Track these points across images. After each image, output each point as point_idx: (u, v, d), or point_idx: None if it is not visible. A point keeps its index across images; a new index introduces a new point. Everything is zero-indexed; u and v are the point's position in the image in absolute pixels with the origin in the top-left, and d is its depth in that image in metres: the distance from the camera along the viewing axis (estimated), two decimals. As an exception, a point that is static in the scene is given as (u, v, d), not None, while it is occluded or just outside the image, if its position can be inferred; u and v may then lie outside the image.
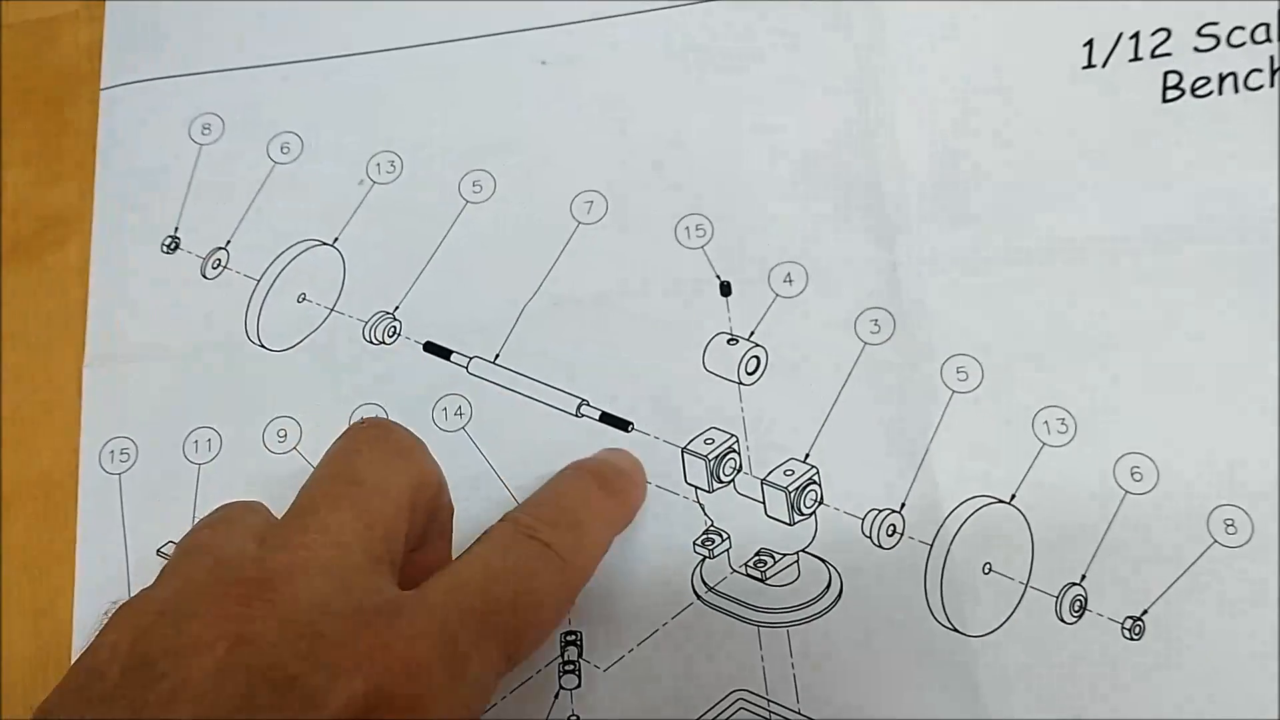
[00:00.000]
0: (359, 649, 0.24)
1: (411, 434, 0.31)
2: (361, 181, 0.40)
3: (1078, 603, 0.33)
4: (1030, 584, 0.33)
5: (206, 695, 0.23)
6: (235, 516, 0.31)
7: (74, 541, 0.37)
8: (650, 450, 0.35)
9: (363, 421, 0.32)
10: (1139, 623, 0.33)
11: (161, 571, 0.29)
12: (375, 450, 0.30)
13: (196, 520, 0.36)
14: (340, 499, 0.28)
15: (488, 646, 0.26)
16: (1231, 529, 0.33)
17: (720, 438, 0.35)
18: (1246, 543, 0.33)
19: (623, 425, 0.36)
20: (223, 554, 0.28)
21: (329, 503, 0.28)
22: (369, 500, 0.28)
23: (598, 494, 0.33)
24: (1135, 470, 0.34)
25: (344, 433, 0.31)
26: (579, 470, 0.34)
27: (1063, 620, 0.33)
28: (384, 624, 0.25)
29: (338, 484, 0.29)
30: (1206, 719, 0.31)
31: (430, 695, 0.24)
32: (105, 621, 0.26)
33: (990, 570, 0.33)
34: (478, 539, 0.29)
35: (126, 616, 0.26)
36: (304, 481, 0.29)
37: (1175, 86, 0.38)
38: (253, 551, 0.27)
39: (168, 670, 0.24)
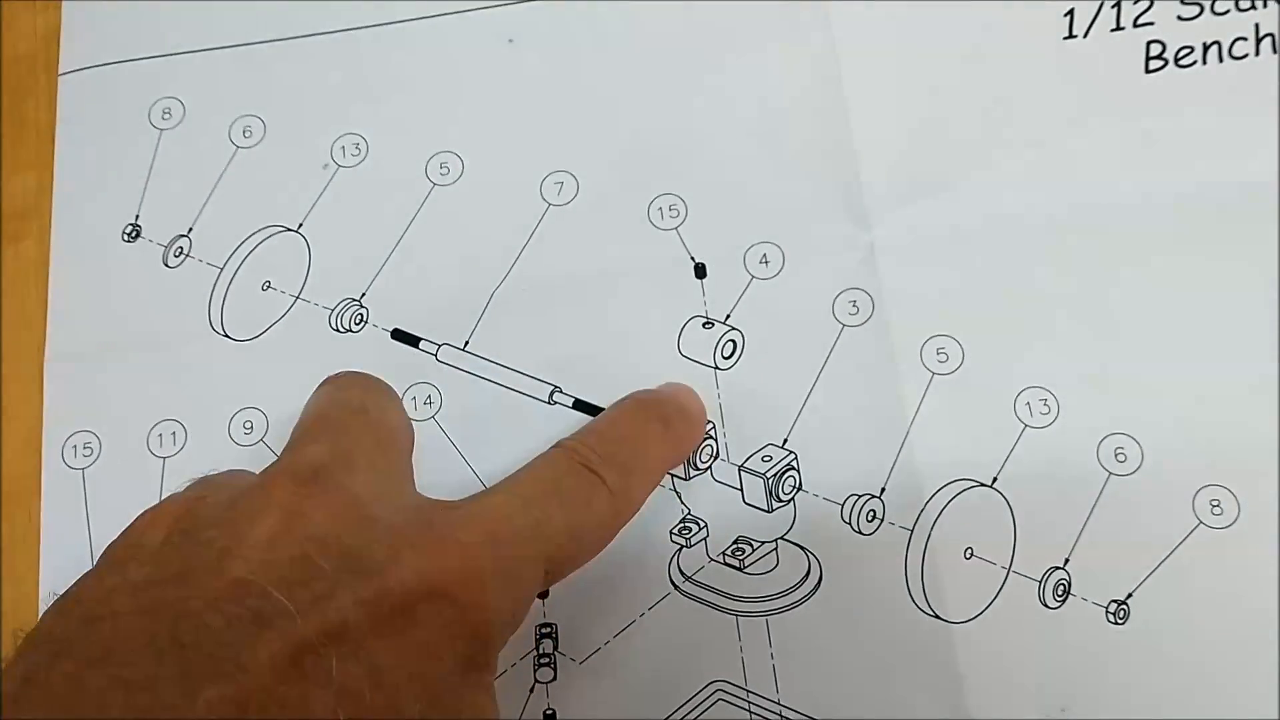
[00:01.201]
0: (415, 539, 0.24)
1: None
2: (326, 165, 0.39)
3: (1061, 587, 0.32)
4: (1012, 568, 0.33)
5: (259, 558, 0.23)
6: (234, 471, 0.30)
7: (37, 538, 0.36)
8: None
9: (339, 373, 0.31)
10: (1124, 606, 0.32)
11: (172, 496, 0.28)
12: (368, 390, 0.30)
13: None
14: (350, 423, 0.28)
15: (534, 565, 0.26)
16: (1217, 510, 0.32)
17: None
18: (1233, 524, 0.32)
19: (597, 412, 0.35)
20: (243, 474, 0.28)
21: (341, 425, 0.27)
22: (379, 428, 0.28)
23: (656, 431, 0.32)
24: (1119, 451, 0.33)
25: (325, 381, 0.30)
26: (640, 404, 0.33)
27: (1046, 605, 0.32)
28: (440, 521, 0.25)
29: (344, 411, 0.28)
30: (1193, 705, 0.31)
31: (484, 596, 0.24)
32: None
33: (972, 555, 0.33)
34: (530, 463, 0.29)
35: (158, 508, 0.26)
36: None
37: (1158, 56, 0.37)
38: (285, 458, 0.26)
39: (215, 538, 0.23)
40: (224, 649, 0.21)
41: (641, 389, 0.34)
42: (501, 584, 0.25)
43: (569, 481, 0.28)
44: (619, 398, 0.35)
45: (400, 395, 0.35)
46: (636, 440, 0.31)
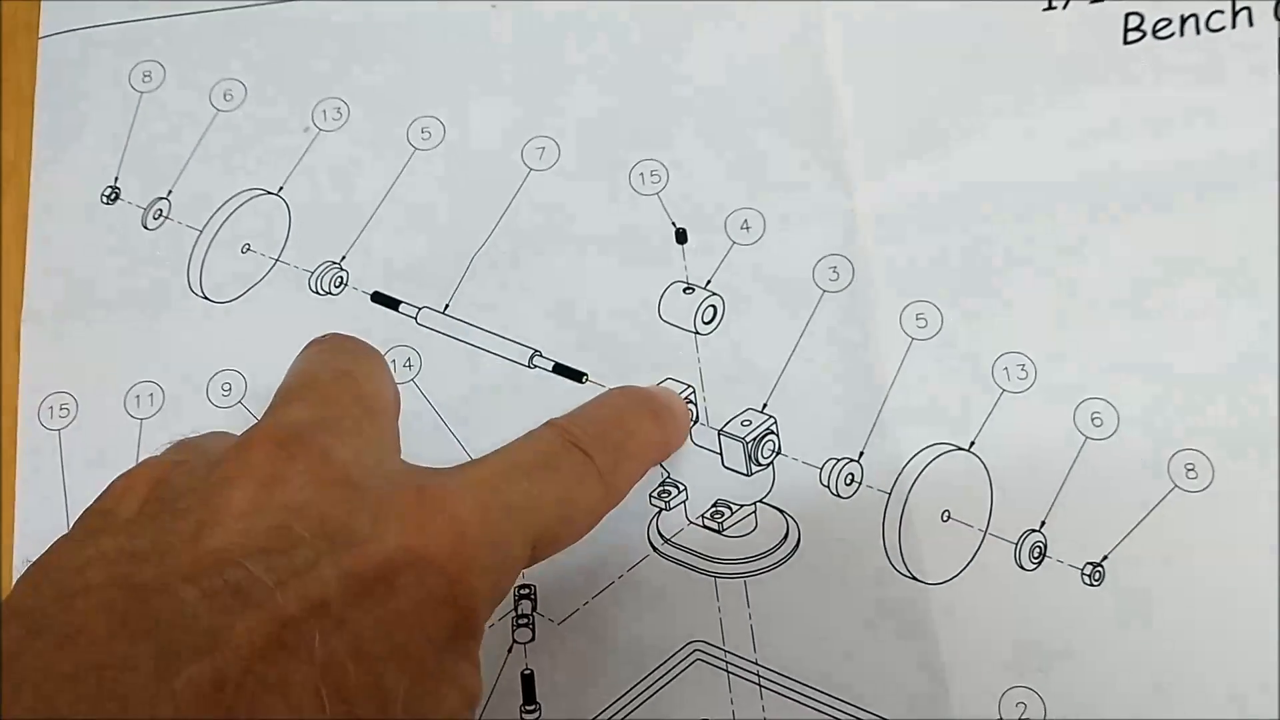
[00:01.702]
0: (400, 507, 0.24)
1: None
2: (307, 129, 0.39)
3: (1037, 549, 0.32)
4: (989, 531, 0.33)
5: (237, 528, 0.22)
6: (215, 434, 0.29)
7: (13, 499, 0.35)
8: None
9: (325, 335, 0.30)
10: (1099, 569, 0.32)
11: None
12: (355, 354, 0.29)
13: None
14: (335, 386, 0.27)
15: (522, 538, 0.25)
16: (1192, 473, 0.33)
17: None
18: (1207, 487, 0.33)
19: (576, 376, 0.35)
20: (224, 436, 0.27)
21: (325, 388, 0.27)
22: (364, 393, 0.27)
23: (647, 422, 0.31)
24: (1096, 416, 0.33)
25: (310, 343, 0.29)
26: (630, 395, 0.32)
27: (1022, 567, 0.32)
28: (428, 489, 0.24)
29: (329, 374, 0.27)
30: (1168, 665, 0.31)
31: (471, 566, 0.23)
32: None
33: (949, 518, 0.33)
34: (520, 438, 0.28)
35: (133, 473, 0.25)
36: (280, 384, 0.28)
37: (1136, 28, 0.37)
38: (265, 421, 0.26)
39: (192, 506, 0.23)
40: (201, 626, 0.20)
41: (628, 385, 0.34)
42: (489, 555, 0.24)
43: (560, 459, 0.28)
44: (599, 363, 0.35)
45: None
46: (626, 427, 0.30)
